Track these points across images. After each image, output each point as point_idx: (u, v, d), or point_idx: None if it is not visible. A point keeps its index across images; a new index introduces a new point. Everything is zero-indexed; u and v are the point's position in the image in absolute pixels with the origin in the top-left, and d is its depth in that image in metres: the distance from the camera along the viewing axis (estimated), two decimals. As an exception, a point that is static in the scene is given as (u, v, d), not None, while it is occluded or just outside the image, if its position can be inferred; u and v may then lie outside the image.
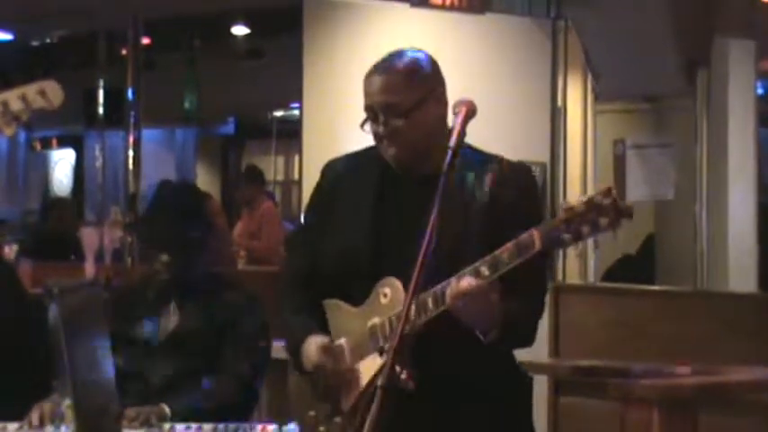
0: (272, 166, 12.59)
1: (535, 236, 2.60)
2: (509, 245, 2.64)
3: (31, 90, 2.77)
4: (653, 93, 7.95)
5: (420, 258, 2.63)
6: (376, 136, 2.89)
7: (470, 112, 2.81)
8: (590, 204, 2.55)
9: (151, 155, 11.27)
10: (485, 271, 2.66)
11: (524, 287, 2.75)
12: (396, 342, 2.66)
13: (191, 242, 4.15)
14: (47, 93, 2.78)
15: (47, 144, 15.26)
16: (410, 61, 2.90)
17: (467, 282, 2.65)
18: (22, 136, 15.10)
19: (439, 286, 2.71)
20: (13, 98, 2.75)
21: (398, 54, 2.92)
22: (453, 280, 2.68)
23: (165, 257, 4.06)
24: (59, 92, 2.79)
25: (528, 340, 2.94)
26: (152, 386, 3.95)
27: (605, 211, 2.54)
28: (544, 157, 6.63)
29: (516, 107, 6.60)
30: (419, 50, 2.96)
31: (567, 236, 2.58)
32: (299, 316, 3.01)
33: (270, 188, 11.46)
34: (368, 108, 2.89)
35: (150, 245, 4.12)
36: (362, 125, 2.90)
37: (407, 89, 2.86)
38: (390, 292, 2.83)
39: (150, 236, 4.16)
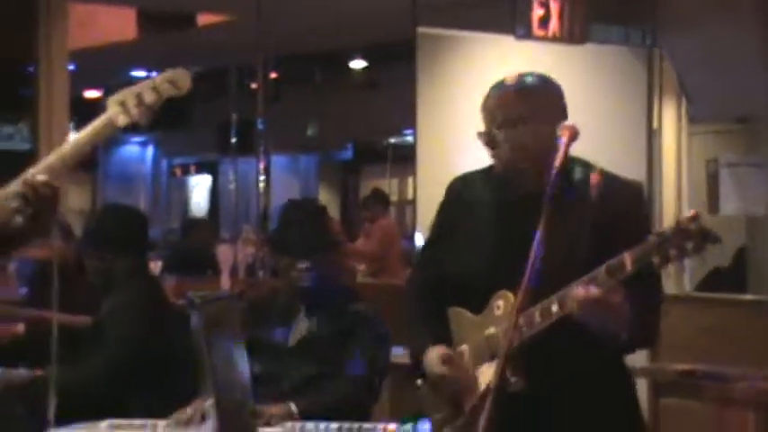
0: (388, 188, 12.60)
1: (626, 259, 2.58)
2: (603, 267, 2.61)
3: (161, 80, 2.80)
4: (745, 113, 7.79)
5: (527, 273, 2.63)
6: (491, 144, 2.87)
7: (573, 135, 2.79)
8: (678, 229, 2.52)
9: (278, 179, 11.39)
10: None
11: (645, 290, 2.70)
12: (506, 348, 2.68)
13: (325, 251, 4.19)
14: (176, 81, 2.80)
15: (186, 170, 15.51)
16: (537, 80, 2.90)
17: (588, 288, 2.62)
18: (164, 163, 15.38)
19: (559, 294, 2.69)
20: (146, 90, 2.78)
21: (524, 73, 2.92)
22: (576, 288, 2.65)
23: (304, 264, 4.10)
24: (188, 79, 2.81)
25: (653, 341, 2.90)
26: (284, 387, 4.00)
27: (691, 235, 2.51)
28: (641, 177, 6.56)
29: (615, 130, 6.55)
30: (545, 76, 2.95)
31: (656, 259, 2.55)
32: (423, 324, 3.01)
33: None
34: (488, 114, 2.87)
35: (289, 254, 4.15)
36: (480, 134, 2.88)
37: (524, 101, 2.85)
38: (503, 304, 2.82)
39: (290, 245, 4.17)
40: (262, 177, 7.89)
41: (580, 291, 2.63)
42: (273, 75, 9.88)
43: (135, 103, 2.77)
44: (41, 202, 2.65)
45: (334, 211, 12.85)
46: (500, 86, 2.90)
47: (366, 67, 11.81)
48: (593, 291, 2.61)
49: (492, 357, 2.81)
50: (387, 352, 4.15)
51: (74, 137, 2.77)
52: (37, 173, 2.67)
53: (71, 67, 5.77)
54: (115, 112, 2.76)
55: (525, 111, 2.84)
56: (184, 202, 15.36)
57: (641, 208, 2.99)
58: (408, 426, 3.44)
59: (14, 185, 2.65)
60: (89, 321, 4.64)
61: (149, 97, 2.78)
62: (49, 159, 2.73)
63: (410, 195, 10.41)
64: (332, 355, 4.04)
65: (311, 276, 4.10)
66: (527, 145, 2.84)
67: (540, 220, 2.69)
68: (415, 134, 6.52)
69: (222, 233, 11.93)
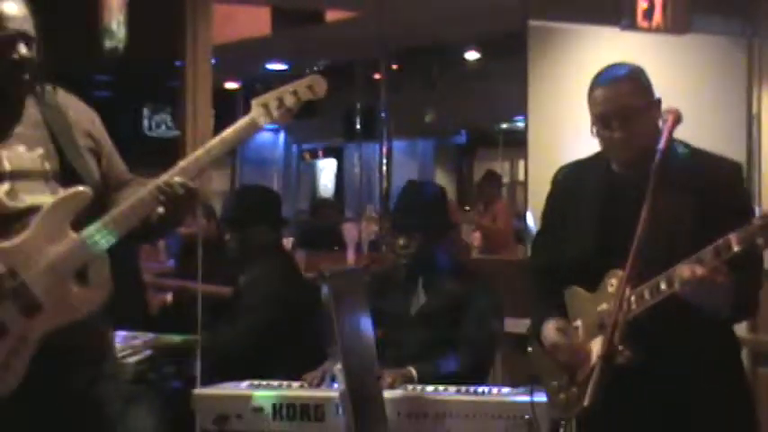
0: (500, 170, 12.54)
1: (732, 240, 2.53)
2: (710, 247, 2.57)
3: (300, 85, 2.84)
4: None
5: (632, 252, 2.61)
6: (608, 141, 2.82)
7: (677, 118, 2.76)
8: None
9: (398, 162, 11.41)
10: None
11: (746, 265, 2.64)
12: (614, 321, 2.66)
13: (441, 230, 4.20)
14: (313, 86, 2.84)
15: (314, 155, 15.62)
16: (632, 72, 2.85)
17: (694, 268, 2.58)
18: (295, 149, 15.53)
19: (667, 273, 2.64)
20: (286, 94, 2.82)
21: (619, 66, 2.86)
22: (682, 267, 2.61)
23: (402, 241, 4.11)
24: (323, 85, 2.84)
25: (753, 313, 2.84)
26: (404, 353, 4.02)
27: None
28: (740, 160, 6.39)
29: (715, 117, 6.41)
30: (632, 64, 2.89)
31: (761, 240, 2.50)
32: (542, 303, 3.01)
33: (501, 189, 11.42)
34: (599, 116, 2.82)
35: (408, 233, 4.15)
36: (592, 131, 2.84)
37: (636, 95, 2.80)
38: (616, 282, 2.78)
39: (408, 225, 4.18)
40: (383, 161, 7.93)
41: (686, 270, 2.59)
42: (395, 66, 9.90)
43: (276, 105, 2.81)
44: (178, 201, 2.72)
45: (450, 192, 12.85)
46: (603, 79, 2.84)
47: (479, 58, 11.75)
48: (699, 271, 2.57)
49: (606, 330, 2.79)
50: (499, 320, 4.14)
51: (220, 134, 2.81)
52: (182, 168, 2.74)
53: (213, 61, 5.85)
54: (258, 113, 2.81)
55: (630, 102, 2.79)
56: (313, 183, 15.49)
57: (741, 185, 2.94)
58: (523, 389, 3.44)
59: (158, 182, 2.72)
60: (229, 291, 4.74)
61: (289, 101, 2.82)
62: (197, 153, 2.78)
63: (521, 177, 10.34)
64: (448, 324, 4.05)
65: (428, 253, 4.12)
66: (633, 135, 2.80)
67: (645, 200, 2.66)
68: (526, 120, 6.48)
69: (347, 212, 12.02)
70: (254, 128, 2.81)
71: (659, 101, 2.84)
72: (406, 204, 4.27)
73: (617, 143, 2.81)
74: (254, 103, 2.81)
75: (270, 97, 2.80)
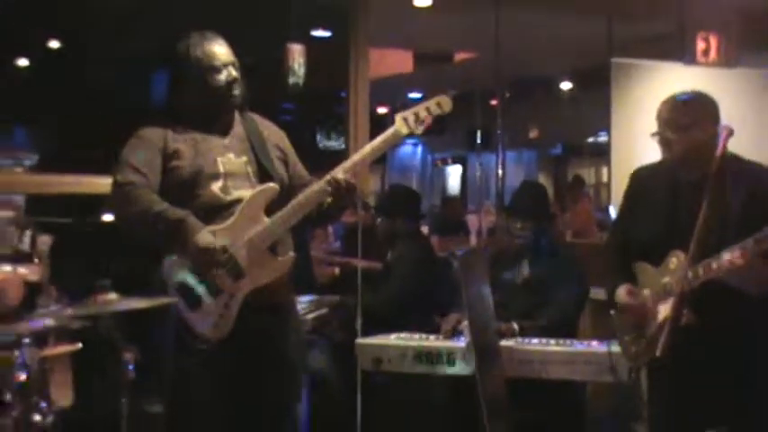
0: (587, 175, 12.31)
1: None
2: (751, 238, 2.49)
3: (431, 103, 2.87)
4: None
5: (695, 237, 2.58)
6: (663, 143, 2.80)
7: (730, 132, 2.71)
8: None
9: (509, 168, 11.30)
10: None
11: None
12: (680, 290, 2.62)
13: (544, 219, 4.17)
14: (441, 104, 2.87)
15: (444, 162, 15.62)
16: (688, 96, 2.82)
17: (731, 256, 2.53)
18: (429, 158, 15.55)
19: (714, 257, 2.59)
20: (421, 110, 2.86)
21: (688, 91, 2.84)
22: (724, 253, 2.55)
23: (519, 225, 4.10)
24: (450, 103, 2.87)
25: None
26: (512, 313, 4.01)
27: None
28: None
29: (760, 136, 6.17)
30: (702, 92, 2.84)
31: None
32: (616, 273, 2.98)
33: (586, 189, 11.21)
34: (659, 124, 2.80)
35: (521, 219, 4.14)
36: (652, 134, 2.82)
37: (687, 112, 2.76)
38: (676, 260, 2.74)
39: (521, 213, 4.17)
40: (498, 167, 7.88)
41: (725, 259, 2.54)
42: (507, 94, 9.81)
43: (414, 119, 2.85)
44: (342, 192, 2.78)
45: (549, 192, 12.63)
46: (670, 100, 2.82)
47: (572, 88, 11.58)
48: (737, 259, 2.51)
49: (668, 298, 2.73)
50: (583, 288, 4.08)
51: (371, 142, 2.87)
52: (344, 168, 2.81)
53: (369, 92, 5.91)
54: (400, 125, 2.85)
55: (689, 119, 2.75)
56: (443, 184, 15.50)
57: None
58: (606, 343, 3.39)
59: (327, 178, 2.79)
60: (381, 266, 4.79)
61: (423, 115, 2.85)
62: (354, 158, 2.85)
63: (604, 179, 10.13)
64: (546, 290, 4.02)
65: (536, 235, 4.10)
66: (690, 144, 2.75)
67: (702, 196, 2.61)
68: (609, 135, 6.39)
69: (470, 206, 11.96)
70: (396, 137, 2.85)
71: (712, 121, 2.76)
72: (523, 197, 4.27)
73: (673, 145, 2.77)
74: (397, 117, 2.86)
75: (409, 113, 2.85)
